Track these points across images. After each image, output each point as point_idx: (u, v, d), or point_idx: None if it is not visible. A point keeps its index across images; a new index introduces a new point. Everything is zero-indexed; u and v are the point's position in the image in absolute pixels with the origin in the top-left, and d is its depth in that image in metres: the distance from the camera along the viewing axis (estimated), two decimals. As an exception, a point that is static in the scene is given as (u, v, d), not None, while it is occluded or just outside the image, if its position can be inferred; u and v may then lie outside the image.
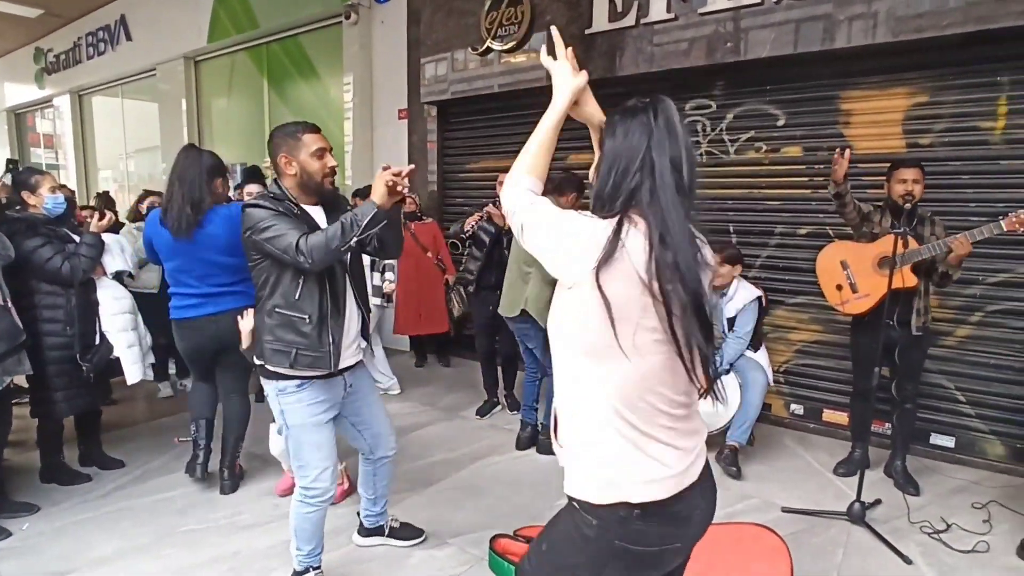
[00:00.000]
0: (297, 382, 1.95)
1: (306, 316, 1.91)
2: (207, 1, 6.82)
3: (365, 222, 1.79)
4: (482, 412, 4.08)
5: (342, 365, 2.00)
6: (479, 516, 2.74)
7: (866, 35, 3.26)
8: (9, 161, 4.30)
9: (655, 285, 1.02)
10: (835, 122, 3.61)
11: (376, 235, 1.92)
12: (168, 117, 7.92)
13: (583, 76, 1.22)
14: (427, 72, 5.19)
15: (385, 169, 1.84)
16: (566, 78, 1.21)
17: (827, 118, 3.62)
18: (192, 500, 2.86)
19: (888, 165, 3.00)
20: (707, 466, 1.23)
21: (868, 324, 3.05)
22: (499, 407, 4.18)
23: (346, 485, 2.91)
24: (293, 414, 1.98)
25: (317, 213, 2.03)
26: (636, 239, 1.05)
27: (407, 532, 2.52)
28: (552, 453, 3.42)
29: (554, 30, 1.27)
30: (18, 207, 2.82)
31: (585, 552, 1.13)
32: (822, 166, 3.69)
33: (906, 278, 2.78)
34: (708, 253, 1.19)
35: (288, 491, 2.72)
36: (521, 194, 1.17)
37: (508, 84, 4.72)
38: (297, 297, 1.90)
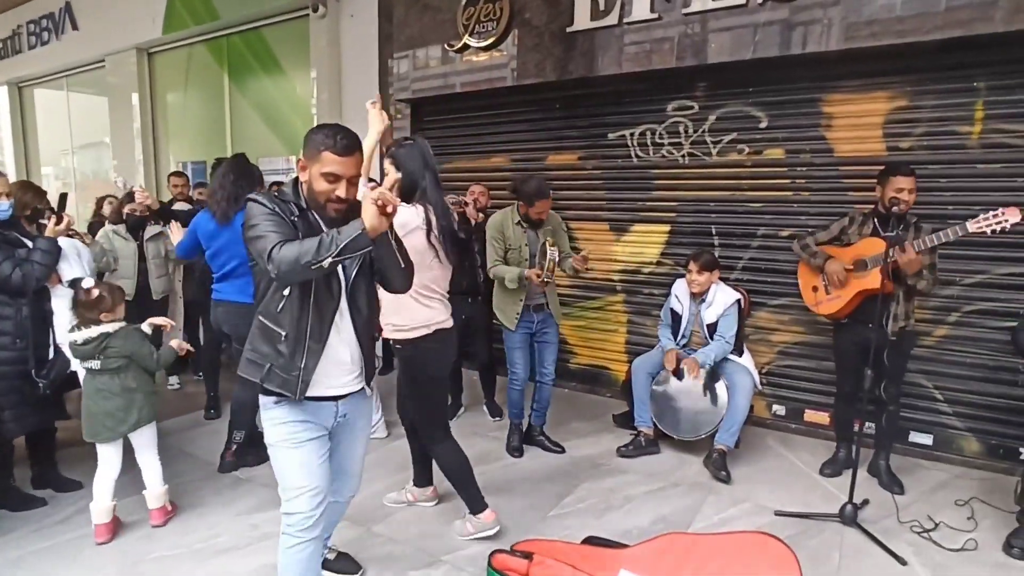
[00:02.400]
0: (274, 398, 1.77)
1: (283, 332, 1.72)
2: (162, -11, 6.47)
3: (343, 244, 1.52)
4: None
5: (315, 393, 1.76)
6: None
7: (848, 39, 3.29)
8: None
9: (433, 235, 2.31)
10: (817, 124, 3.64)
11: (376, 264, 1.76)
12: (118, 111, 7.49)
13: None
14: (399, 68, 5.04)
15: (372, 185, 1.65)
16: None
17: (809, 120, 3.65)
18: (161, 523, 2.65)
19: (874, 168, 3.04)
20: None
21: (848, 327, 3.09)
22: (462, 409, 4.11)
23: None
24: (270, 431, 1.80)
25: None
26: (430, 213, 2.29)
27: (343, 565, 2.32)
28: (554, 449, 3.54)
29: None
30: None
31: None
32: (804, 168, 3.72)
33: (872, 281, 2.82)
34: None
35: None
36: None
37: (484, 82, 4.61)
38: (278, 309, 1.72)
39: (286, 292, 1.71)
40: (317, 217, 1.76)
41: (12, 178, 9.12)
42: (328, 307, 1.76)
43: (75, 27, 7.72)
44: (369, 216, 1.53)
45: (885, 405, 3.06)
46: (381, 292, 1.97)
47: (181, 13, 6.42)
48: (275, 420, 1.79)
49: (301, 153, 1.75)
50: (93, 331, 2.47)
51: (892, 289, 2.83)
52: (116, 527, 2.59)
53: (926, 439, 3.49)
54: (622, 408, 3.99)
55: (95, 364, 2.50)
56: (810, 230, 3.26)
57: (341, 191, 1.69)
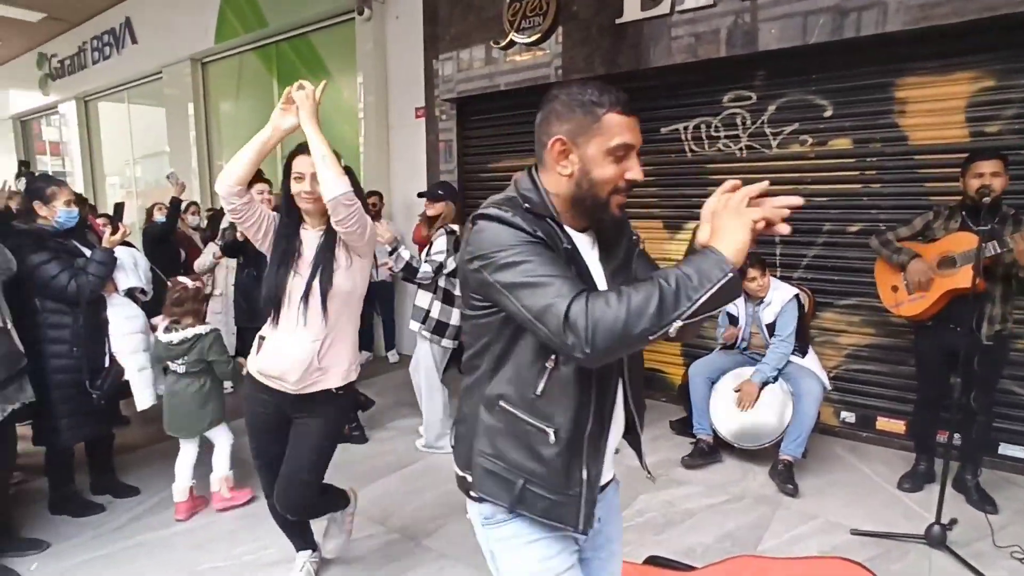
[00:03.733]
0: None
1: (549, 429, 1.10)
2: (214, 1, 6.63)
3: (709, 293, 0.92)
4: None
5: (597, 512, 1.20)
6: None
7: (924, 17, 3.02)
8: (21, 163, 4.11)
9: None
10: (889, 111, 3.37)
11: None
12: (175, 121, 7.75)
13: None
14: (445, 69, 4.98)
15: (735, 190, 1.00)
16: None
17: (880, 107, 3.38)
18: (211, 533, 2.65)
19: (955, 156, 2.78)
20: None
21: (932, 329, 2.84)
22: None
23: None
24: (507, 558, 1.20)
25: (584, 245, 1.18)
26: None
27: None
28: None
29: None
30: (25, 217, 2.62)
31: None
32: (875, 159, 3.45)
33: (962, 279, 2.56)
34: None
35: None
36: None
37: (530, 79, 4.50)
38: (538, 392, 1.10)
39: (549, 364, 1.09)
40: (573, 240, 1.14)
41: (80, 187, 9.62)
42: (611, 382, 1.17)
43: (134, 40, 8.03)
44: (734, 244, 0.95)
45: (974, 415, 2.79)
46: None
47: (232, 22, 6.56)
48: (514, 540, 1.17)
49: (550, 135, 1.11)
50: (189, 332, 2.70)
51: (984, 288, 2.58)
52: (193, 507, 2.82)
53: (1019, 452, 3.18)
54: (679, 414, 3.82)
55: (180, 367, 2.71)
56: (887, 226, 3.01)
57: (635, 171, 1.12)
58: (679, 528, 2.66)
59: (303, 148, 1.84)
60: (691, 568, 2.12)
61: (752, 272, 3.18)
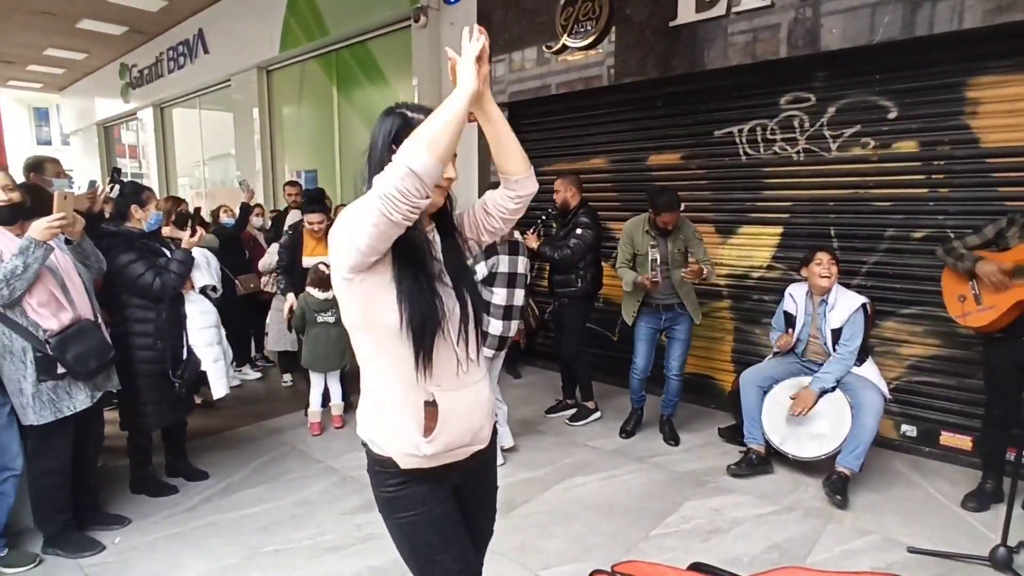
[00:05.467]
0: None
1: None
2: (279, 11, 6.93)
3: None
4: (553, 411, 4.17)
5: None
6: (569, 546, 2.56)
7: (999, 12, 2.88)
8: (114, 170, 4.45)
9: None
10: (960, 112, 3.23)
11: None
12: (241, 126, 8.14)
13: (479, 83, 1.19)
14: (496, 72, 5.06)
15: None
16: (469, 80, 1.16)
17: (950, 108, 3.24)
18: (275, 517, 2.81)
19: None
20: None
21: (1003, 341, 2.72)
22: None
23: None
24: None
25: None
26: None
27: None
28: (668, 441, 3.64)
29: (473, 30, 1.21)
30: (115, 221, 2.85)
31: None
32: (942, 162, 3.32)
33: None
34: None
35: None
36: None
37: (579, 81, 4.52)
38: None
39: None
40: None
41: (155, 187, 10.24)
42: None
43: (206, 51, 8.48)
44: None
45: (1047, 433, 2.65)
46: None
47: (295, 31, 6.84)
48: None
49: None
50: (330, 293, 3.53)
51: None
52: (322, 428, 3.85)
53: (1098, 473, 2.99)
54: (728, 421, 3.77)
55: (330, 317, 3.66)
56: (955, 232, 2.89)
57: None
58: (726, 536, 2.64)
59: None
60: (737, 576, 2.11)
61: (820, 255, 3.09)
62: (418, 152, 1.08)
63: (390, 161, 1.16)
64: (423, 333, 1.23)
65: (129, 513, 2.81)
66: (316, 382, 3.85)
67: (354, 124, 6.76)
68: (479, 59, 1.18)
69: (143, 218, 2.80)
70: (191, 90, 9.26)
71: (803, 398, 3.09)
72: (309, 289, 3.68)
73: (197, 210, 5.11)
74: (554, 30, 4.57)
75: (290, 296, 3.92)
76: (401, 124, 1.27)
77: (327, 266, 3.65)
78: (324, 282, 3.66)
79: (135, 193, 2.83)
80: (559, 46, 4.54)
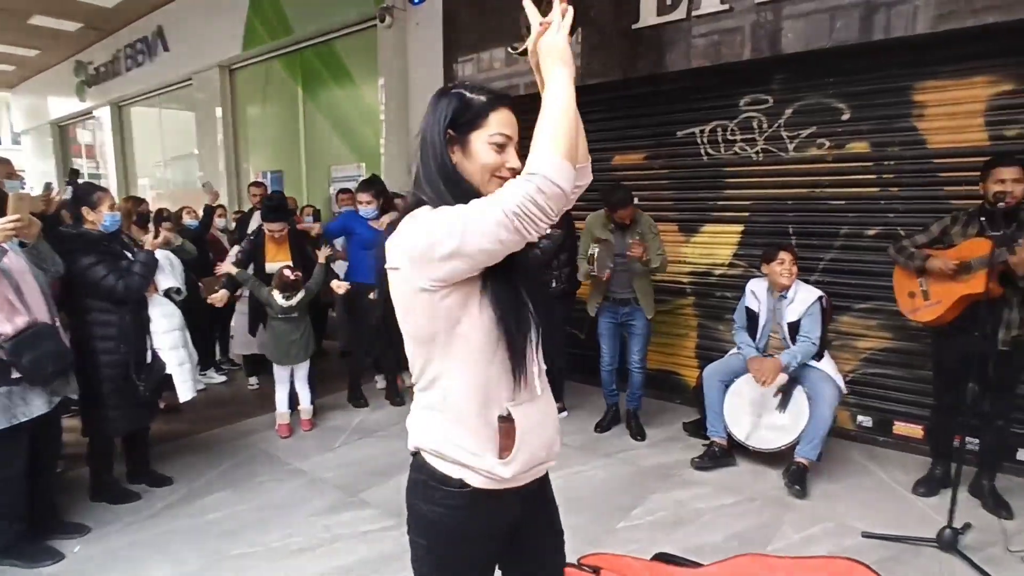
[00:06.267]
0: None
1: None
2: (242, 9, 6.82)
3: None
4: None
5: None
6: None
7: (944, 19, 3.02)
8: (72, 172, 4.35)
9: None
10: (908, 115, 3.37)
11: None
12: (204, 125, 7.99)
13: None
14: (465, 72, 5.08)
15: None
16: (568, 59, 1.08)
17: (899, 111, 3.38)
18: (241, 521, 2.78)
19: (974, 160, 2.78)
20: None
21: (949, 335, 2.85)
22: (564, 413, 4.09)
23: None
24: None
25: None
26: None
27: None
28: (635, 436, 3.69)
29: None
30: (75, 223, 2.79)
31: None
32: (892, 162, 3.46)
33: (976, 285, 2.57)
34: None
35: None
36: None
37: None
38: None
39: None
40: None
41: (113, 188, 9.97)
42: None
43: (166, 48, 8.29)
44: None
45: (991, 420, 2.79)
46: None
47: (259, 30, 6.75)
48: None
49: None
50: (294, 300, 3.64)
51: (1000, 293, 2.58)
52: (291, 430, 3.82)
53: (1038, 457, 3.17)
54: (693, 415, 3.86)
55: (294, 313, 3.68)
56: (904, 230, 3.02)
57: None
58: (689, 527, 2.71)
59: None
60: (698, 565, 2.17)
61: (783, 255, 3.19)
62: (555, 162, 0.96)
63: (446, 147, 1.08)
64: (519, 342, 1.10)
65: (89, 521, 2.74)
66: (282, 382, 3.80)
67: (320, 124, 6.70)
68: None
69: (96, 220, 2.73)
70: (151, 89, 9.04)
71: (767, 366, 3.14)
72: (275, 293, 3.63)
73: (160, 211, 5.00)
74: (519, 31, 4.60)
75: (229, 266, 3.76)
76: (459, 106, 1.13)
77: (292, 269, 3.63)
78: (289, 286, 3.63)
79: (86, 194, 2.77)
80: (524, 47, 4.56)
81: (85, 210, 2.74)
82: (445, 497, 1.14)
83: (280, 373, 3.80)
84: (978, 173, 2.72)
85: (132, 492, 2.99)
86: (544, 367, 1.22)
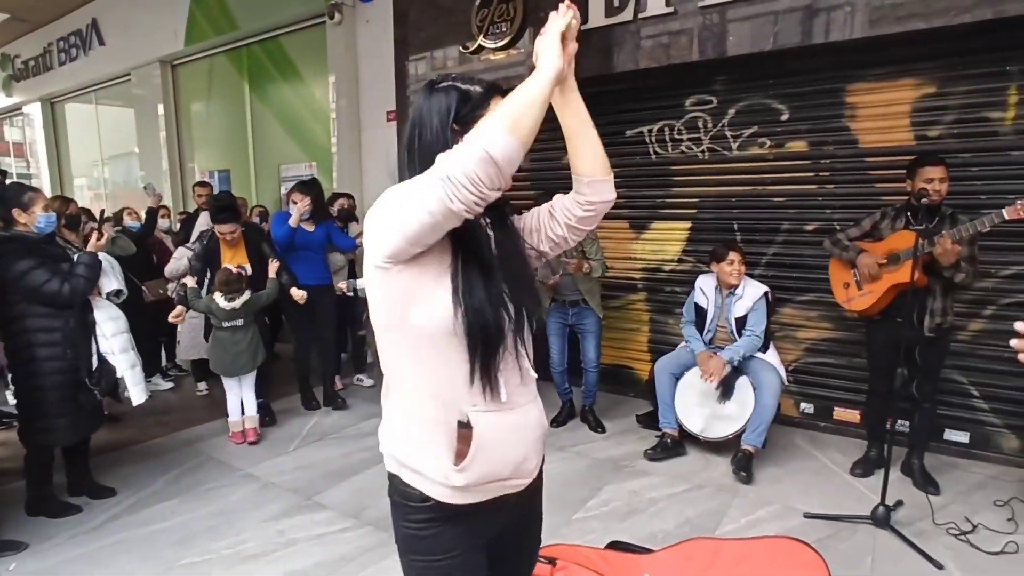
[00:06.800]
0: None
1: None
2: (183, 3, 6.59)
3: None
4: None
5: None
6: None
7: (873, 25, 3.19)
8: (1, 172, 4.10)
9: None
10: (841, 115, 3.54)
11: None
12: (144, 123, 7.68)
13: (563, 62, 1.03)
14: (417, 70, 5.05)
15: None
16: (554, 58, 1.01)
17: (833, 112, 3.55)
18: (191, 529, 2.70)
19: (901, 159, 2.95)
20: None
21: (879, 323, 3.02)
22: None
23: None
24: None
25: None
26: None
27: None
28: (595, 429, 3.76)
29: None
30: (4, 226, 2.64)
31: None
32: (828, 161, 3.63)
33: (903, 275, 2.73)
34: None
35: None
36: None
37: (505, 81, 4.54)
38: None
39: None
40: None
41: (47, 189, 9.48)
42: None
43: (102, 42, 7.92)
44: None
45: (919, 403, 2.97)
46: None
47: (202, 25, 6.53)
48: None
49: None
50: (238, 303, 3.48)
51: (925, 283, 2.75)
52: (243, 437, 3.68)
53: (962, 437, 3.38)
54: (646, 408, 3.96)
55: (239, 322, 3.53)
56: (840, 224, 3.17)
57: None
58: (642, 516, 2.79)
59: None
60: (650, 551, 2.24)
61: (732, 255, 3.30)
62: (499, 134, 0.90)
63: (452, 143, 1.01)
64: (485, 343, 1.03)
65: (26, 537, 2.61)
66: (231, 389, 3.68)
67: (268, 122, 6.54)
68: (565, 36, 1.03)
69: (29, 222, 2.60)
70: (86, 84, 8.61)
71: (714, 364, 3.27)
72: (216, 296, 3.48)
73: (103, 212, 4.81)
74: (470, 30, 4.62)
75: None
76: (460, 99, 1.08)
77: (241, 268, 3.54)
78: (232, 284, 3.48)
79: (17, 195, 2.62)
80: (475, 46, 4.59)
81: (16, 212, 2.60)
82: (412, 512, 1.11)
83: (228, 382, 3.67)
84: (905, 171, 2.89)
85: (72, 505, 2.87)
86: (534, 376, 1.16)
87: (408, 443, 1.09)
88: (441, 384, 1.05)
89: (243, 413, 3.73)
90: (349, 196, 4.75)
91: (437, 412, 1.06)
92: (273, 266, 3.69)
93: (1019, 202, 2.49)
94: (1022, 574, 2.33)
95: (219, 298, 3.47)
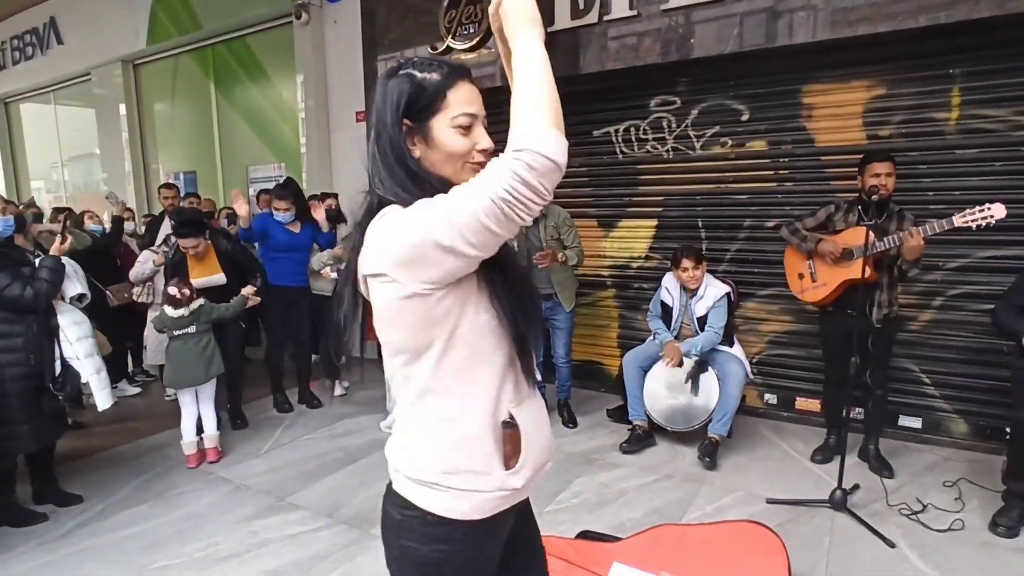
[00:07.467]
0: None
1: None
2: (144, 2, 6.47)
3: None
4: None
5: None
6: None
7: (827, 29, 3.33)
8: None
9: None
10: (798, 116, 3.67)
11: None
12: (106, 123, 7.51)
13: None
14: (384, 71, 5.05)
15: None
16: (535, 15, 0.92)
17: (790, 112, 3.69)
18: (161, 534, 2.68)
19: (854, 157, 3.08)
20: None
21: (833, 314, 3.14)
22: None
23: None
24: None
25: None
26: None
27: None
28: (567, 424, 3.80)
29: None
30: None
31: None
32: (787, 159, 3.76)
33: (855, 270, 2.85)
34: None
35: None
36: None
37: (478, 81, 4.62)
38: None
39: None
40: None
41: (2, 192, 9.18)
42: None
43: (60, 41, 7.73)
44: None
45: (871, 390, 3.11)
46: None
47: (165, 24, 6.43)
48: None
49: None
50: (184, 311, 3.26)
51: (875, 278, 2.88)
52: (201, 458, 3.40)
53: (915, 422, 3.54)
54: (616, 402, 4.04)
55: (191, 329, 3.29)
56: (796, 216, 3.29)
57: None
58: (612, 506, 2.87)
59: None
60: (618, 539, 2.31)
61: (686, 263, 3.39)
62: (548, 133, 0.82)
63: (405, 141, 0.95)
64: (522, 339, 1.02)
65: (-11, 547, 2.57)
66: (187, 406, 3.35)
67: (235, 123, 6.46)
68: None
69: None
70: (43, 84, 8.38)
71: (672, 350, 3.40)
72: (165, 307, 3.28)
73: (65, 217, 4.69)
74: (439, 31, 4.65)
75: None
76: (411, 90, 0.98)
77: (180, 286, 3.32)
78: (178, 304, 3.25)
79: None
80: (444, 48, 4.62)
81: None
82: (452, 532, 1.02)
83: (183, 397, 3.35)
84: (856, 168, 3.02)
85: (38, 513, 2.81)
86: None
87: (448, 466, 1.01)
88: (489, 391, 1.00)
89: (200, 432, 3.43)
90: (335, 196, 4.72)
91: (484, 420, 1.00)
92: (248, 289, 3.57)
93: (968, 211, 2.60)
94: (967, 550, 2.47)
95: (167, 308, 3.29)
